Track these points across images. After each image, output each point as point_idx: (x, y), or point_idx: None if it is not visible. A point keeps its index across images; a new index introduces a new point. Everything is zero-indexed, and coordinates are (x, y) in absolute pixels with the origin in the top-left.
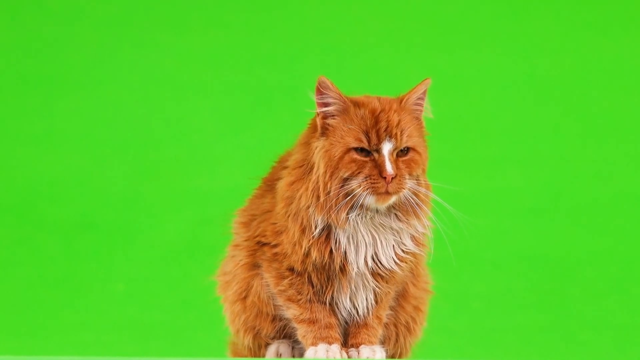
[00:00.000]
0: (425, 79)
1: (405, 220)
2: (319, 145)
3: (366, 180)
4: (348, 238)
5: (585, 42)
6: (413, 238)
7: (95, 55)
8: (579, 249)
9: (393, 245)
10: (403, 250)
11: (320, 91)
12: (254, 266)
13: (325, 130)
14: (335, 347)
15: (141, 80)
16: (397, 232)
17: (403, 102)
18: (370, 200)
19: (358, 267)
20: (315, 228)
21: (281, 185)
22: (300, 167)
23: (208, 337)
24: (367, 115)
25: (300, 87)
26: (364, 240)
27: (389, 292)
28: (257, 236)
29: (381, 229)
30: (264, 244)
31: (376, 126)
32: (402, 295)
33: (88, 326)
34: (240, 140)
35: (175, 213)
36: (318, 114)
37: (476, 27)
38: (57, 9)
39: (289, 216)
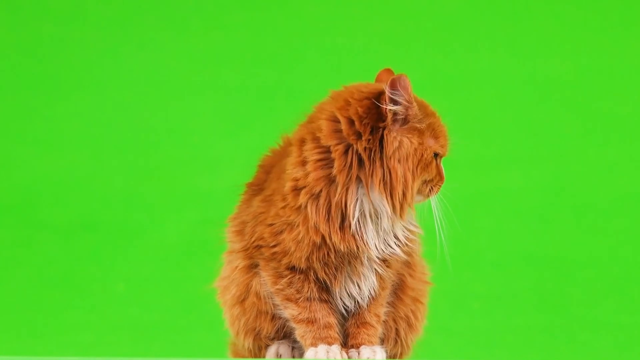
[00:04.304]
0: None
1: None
2: (403, 141)
3: (436, 184)
4: (372, 226)
5: (586, 42)
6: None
7: (95, 55)
8: (580, 249)
9: (403, 230)
10: (408, 230)
11: (395, 87)
12: (252, 267)
13: (395, 127)
14: (336, 348)
15: (141, 81)
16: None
17: None
18: (419, 198)
19: (375, 252)
20: (353, 219)
21: (308, 179)
22: (345, 157)
23: (208, 337)
24: (438, 121)
25: (300, 87)
26: (385, 228)
27: (385, 286)
28: (254, 241)
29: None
30: (262, 247)
31: (447, 133)
32: (399, 288)
33: (88, 327)
34: (241, 140)
35: (176, 213)
36: (386, 108)
37: (476, 27)
38: (57, 9)
39: (306, 207)
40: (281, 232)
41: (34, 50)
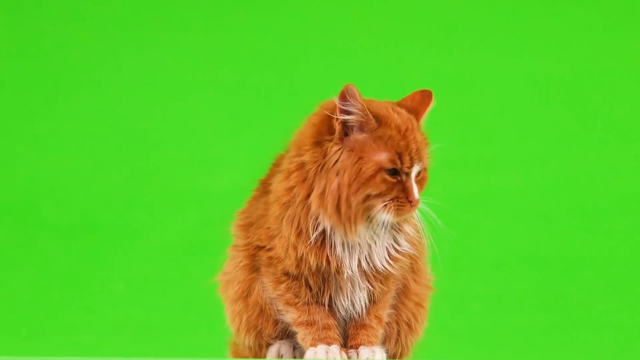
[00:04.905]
0: (430, 93)
1: (399, 226)
2: (342, 154)
3: (393, 201)
4: (343, 243)
5: (586, 42)
6: (407, 238)
7: (95, 55)
8: (580, 249)
9: (387, 247)
10: (397, 250)
11: (345, 97)
12: (254, 268)
13: (345, 140)
14: (335, 348)
15: (141, 81)
16: (392, 236)
17: (420, 121)
18: (387, 217)
19: (351, 270)
20: (312, 234)
21: (278, 189)
22: (299, 171)
23: (208, 337)
24: (396, 136)
25: (300, 87)
26: (359, 244)
27: (387, 291)
28: (255, 241)
29: (378, 234)
30: (261, 248)
31: (408, 148)
32: (403, 292)
33: (88, 327)
34: (241, 140)
35: (176, 213)
36: (337, 119)
37: (476, 27)
38: (57, 9)
39: (282, 219)
40: (274, 236)
41: (34, 50)
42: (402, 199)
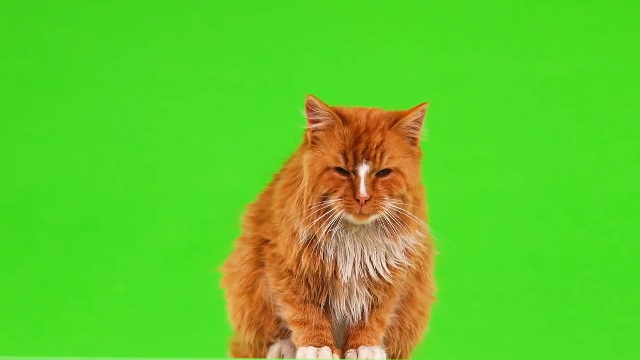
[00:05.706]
0: (423, 104)
1: (393, 236)
2: (305, 157)
3: (341, 199)
4: (335, 249)
5: (586, 43)
6: (405, 250)
7: (95, 56)
8: (580, 249)
9: (383, 258)
10: (395, 263)
11: (309, 109)
12: (259, 263)
13: (313, 144)
14: (326, 350)
15: (141, 81)
16: (387, 246)
17: (394, 126)
18: (349, 217)
19: (347, 277)
20: (302, 236)
21: (278, 186)
22: (294, 172)
23: (208, 337)
24: (349, 135)
25: (300, 87)
26: (352, 252)
27: (390, 297)
28: (261, 234)
29: (370, 242)
30: (266, 241)
31: (355, 147)
32: (407, 300)
33: (88, 327)
34: (241, 141)
35: (176, 214)
36: (308, 129)
37: (476, 27)
38: (57, 9)
39: (282, 217)
40: (278, 233)
41: (34, 50)
42: (349, 197)
